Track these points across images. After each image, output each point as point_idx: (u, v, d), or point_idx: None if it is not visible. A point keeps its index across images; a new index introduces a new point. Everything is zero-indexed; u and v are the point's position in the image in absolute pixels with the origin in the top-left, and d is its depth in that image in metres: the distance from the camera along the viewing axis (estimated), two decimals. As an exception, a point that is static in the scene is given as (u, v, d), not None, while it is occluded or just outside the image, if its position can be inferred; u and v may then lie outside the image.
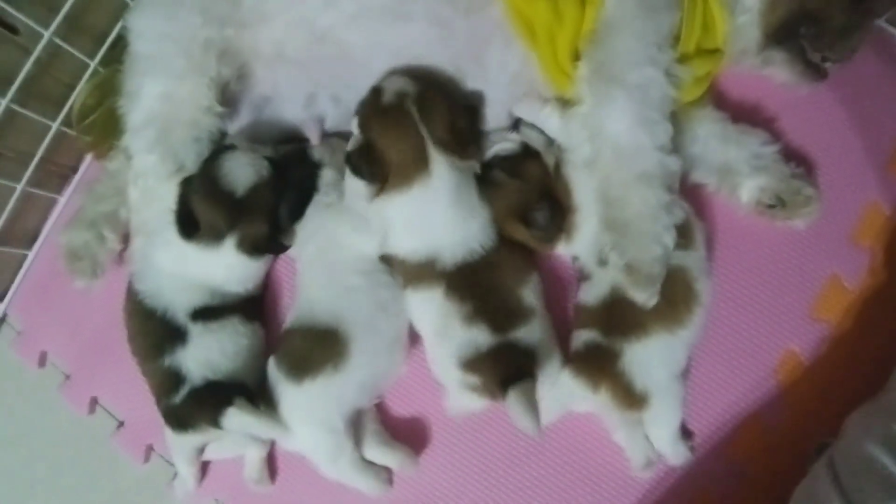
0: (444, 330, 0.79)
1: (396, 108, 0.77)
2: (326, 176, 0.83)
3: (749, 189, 0.85)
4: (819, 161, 0.89)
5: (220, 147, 0.81)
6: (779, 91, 0.88)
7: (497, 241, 0.80)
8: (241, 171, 0.80)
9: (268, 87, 0.84)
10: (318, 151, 0.84)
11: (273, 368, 0.80)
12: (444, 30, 0.79)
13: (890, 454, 0.69)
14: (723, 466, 0.85)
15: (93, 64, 0.90)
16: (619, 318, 0.77)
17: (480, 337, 0.76)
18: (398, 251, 0.81)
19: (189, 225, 0.80)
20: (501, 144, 0.83)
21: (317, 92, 0.83)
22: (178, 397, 0.79)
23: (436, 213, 0.78)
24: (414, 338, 0.84)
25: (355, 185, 0.79)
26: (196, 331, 0.80)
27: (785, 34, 0.81)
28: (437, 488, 0.86)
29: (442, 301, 0.78)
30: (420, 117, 0.77)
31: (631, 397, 0.77)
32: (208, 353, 0.80)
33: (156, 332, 0.81)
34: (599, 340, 0.78)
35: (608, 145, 0.75)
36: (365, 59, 0.81)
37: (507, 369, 0.75)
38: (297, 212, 0.83)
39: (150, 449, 0.91)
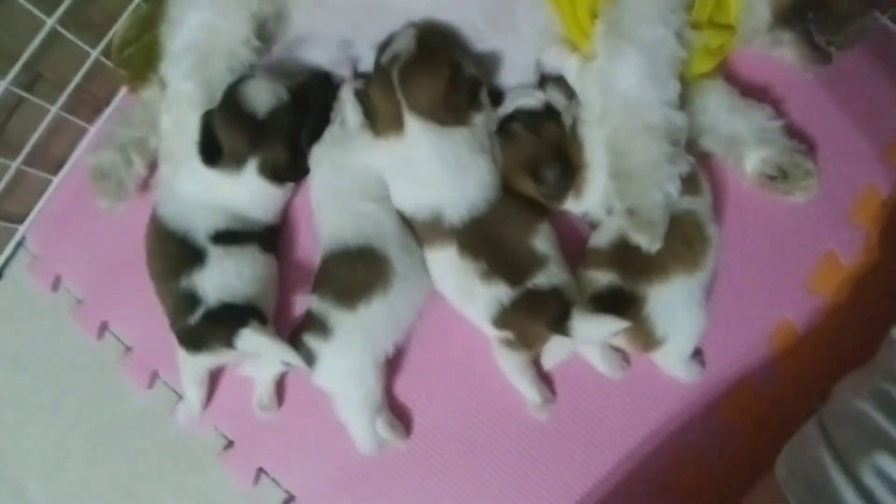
0: (467, 290, 0.81)
1: (384, 69, 0.80)
2: (344, 102, 0.86)
3: (753, 160, 0.87)
4: (821, 142, 0.92)
5: (239, 77, 0.84)
6: (787, 74, 0.91)
7: (501, 195, 0.82)
8: (262, 96, 0.82)
9: (304, 30, 0.87)
10: (340, 78, 0.87)
11: (319, 303, 0.81)
12: None
13: (878, 408, 0.71)
14: (713, 427, 0.86)
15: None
16: (638, 261, 0.79)
17: (501, 292, 0.78)
18: (403, 206, 0.84)
19: (212, 151, 0.82)
20: (525, 99, 0.85)
21: (353, 38, 0.86)
22: (194, 318, 0.80)
23: (419, 171, 0.81)
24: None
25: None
26: (216, 253, 0.82)
27: (792, 16, 0.85)
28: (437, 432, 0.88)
29: (458, 260, 0.80)
30: (399, 84, 0.79)
31: (650, 340, 0.80)
32: (226, 276, 0.81)
33: (175, 254, 0.83)
34: (621, 284, 0.79)
35: (618, 98, 0.78)
36: (404, 8, 0.84)
37: (544, 315, 0.77)
38: (317, 135, 0.85)
39: (155, 375, 0.92)
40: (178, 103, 0.84)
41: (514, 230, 0.81)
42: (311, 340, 0.81)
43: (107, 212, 0.89)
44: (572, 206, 0.86)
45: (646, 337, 0.80)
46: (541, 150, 0.83)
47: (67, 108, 0.93)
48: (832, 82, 0.93)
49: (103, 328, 0.94)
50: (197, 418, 0.88)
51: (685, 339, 0.82)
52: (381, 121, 0.82)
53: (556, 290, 0.78)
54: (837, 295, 0.89)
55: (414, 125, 0.80)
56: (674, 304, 0.80)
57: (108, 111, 0.98)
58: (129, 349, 0.93)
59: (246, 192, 0.84)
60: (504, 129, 0.84)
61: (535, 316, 0.77)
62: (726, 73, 0.93)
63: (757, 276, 0.89)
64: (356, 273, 0.81)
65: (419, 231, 0.84)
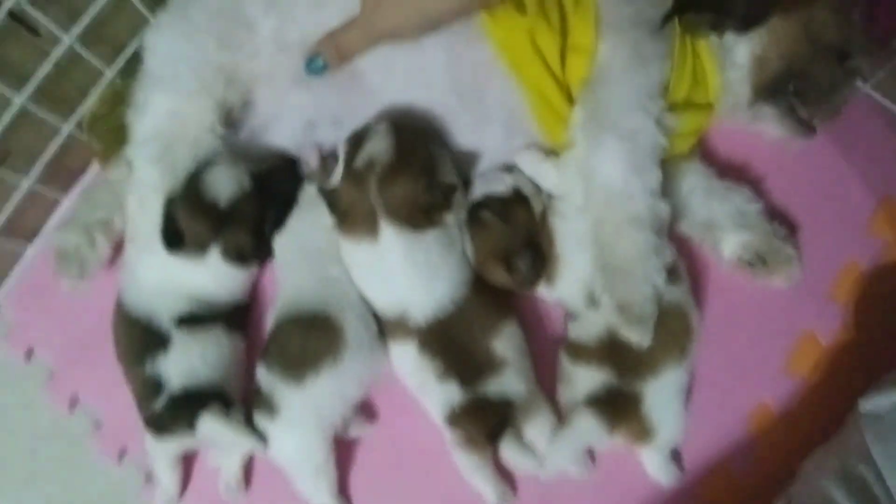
0: (423, 385, 0.80)
1: (361, 173, 0.78)
2: (308, 192, 0.84)
3: (731, 244, 0.85)
4: (801, 218, 0.90)
5: (202, 163, 0.83)
6: (766, 149, 0.89)
7: (468, 293, 0.80)
8: (223, 184, 0.81)
9: (270, 113, 0.86)
10: (307, 169, 0.85)
11: (265, 375, 0.80)
12: (452, 57, 0.81)
13: (843, 490, 0.70)
14: (689, 509, 0.84)
15: (109, 73, 0.92)
16: (630, 358, 0.77)
17: (452, 393, 0.77)
18: (372, 303, 0.82)
19: (174, 238, 0.81)
20: (494, 185, 0.83)
21: (317, 117, 0.85)
22: (158, 404, 0.80)
23: (390, 272, 0.79)
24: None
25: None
26: (179, 338, 0.81)
27: (774, 91, 0.83)
28: None
29: (416, 356, 0.79)
30: (378, 190, 0.77)
31: (646, 434, 0.78)
32: (190, 360, 0.81)
33: (140, 339, 0.82)
34: (617, 384, 0.78)
35: (600, 189, 0.76)
36: (375, 85, 0.83)
37: (486, 425, 0.76)
38: (281, 221, 0.84)
39: (123, 451, 0.90)
40: (142, 188, 0.83)
41: (475, 330, 0.79)
42: (259, 418, 0.80)
43: (71, 291, 0.87)
44: (544, 293, 0.84)
45: (641, 432, 0.78)
46: (512, 237, 0.81)
47: (40, 181, 0.92)
48: (813, 154, 0.91)
49: (74, 402, 0.93)
50: (173, 502, 0.86)
51: (675, 427, 0.80)
52: (352, 222, 0.80)
53: (504, 402, 0.76)
54: (814, 374, 0.87)
55: (388, 230, 0.78)
56: (665, 395, 0.78)
57: (82, 181, 0.97)
58: (98, 424, 0.92)
59: (210, 275, 0.83)
60: (474, 217, 0.82)
61: (475, 424, 0.76)
62: (703, 149, 0.91)
63: (734, 358, 0.86)
64: (308, 340, 0.79)
65: (383, 323, 0.82)
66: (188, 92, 0.81)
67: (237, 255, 0.82)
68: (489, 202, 0.82)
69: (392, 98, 0.83)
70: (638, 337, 0.75)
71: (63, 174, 0.96)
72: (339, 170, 0.81)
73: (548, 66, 0.79)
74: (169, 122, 0.82)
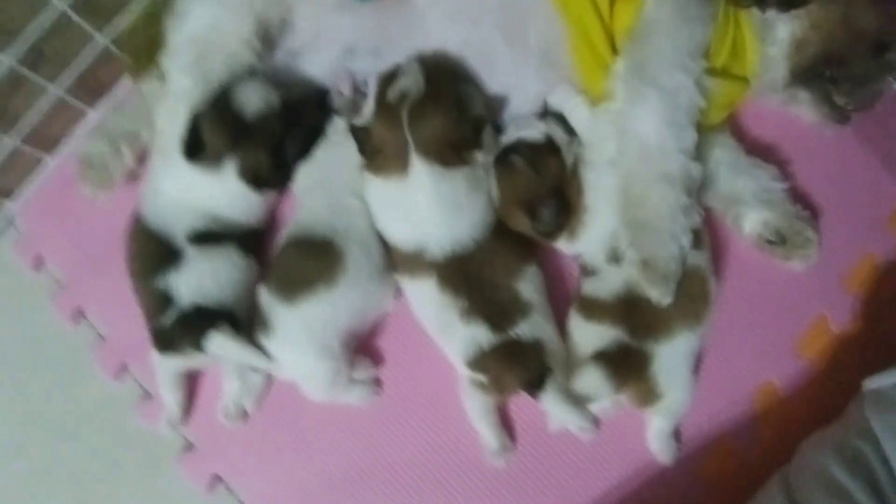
0: (446, 325, 0.78)
1: (393, 107, 0.77)
2: (338, 125, 0.84)
3: (752, 221, 0.85)
4: (824, 204, 0.89)
5: (236, 78, 0.82)
6: (796, 132, 0.89)
7: (490, 234, 0.79)
8: (252, 99, 0.81)
9: (307, 36, 0.85)
10: (337, 100, 0.85)
11: (265, 293, 0.79)
12: None
13: (839, 463, 0.71)
14: (688, 483, 0.84)
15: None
16: (645, 317, 0.77)
17: (481, 334, 0.76)
18: (388, 236, 0.81)
19: (193, 145, 0.80)
20: (528, 131, 0.82)
21: (356, 45, 0.84)
22: (167, 319, 0.79)
23: (415, 208, 0.78)
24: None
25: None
26: (192, 254, 0.80)
27: (812, 74, 0.82)
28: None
29: (437, 293, 0.78)
30: (409, 124, 0.76)
31: (653, 396, 0.77)
32: (201, 278, 0.80)
33: (154, 253, 0.82)
34: (629, 342, 0.77)
35: (635, 143, 0.76)
36: (420, 15, 0.82)
37: (525, 370, 0.74)
38: (303, 150, 0.83)
39: (123, 367, 0.90)
40: (174, 98, 0.83)
41: (498, 271, 0.78)
42: (258, 335, 0.79)
43: (91, 199, 0.87)
44: (564, 246, 0.83)
45: (648, 393, 0.77)
46: (539, 185, 0.80)
47: (68, 90, 0.91)
48: (840, 145, 0.90)
49: (79, 314, 0.92)
50: (176, 422, 0.85)
51: (683, 394, 0.79)
52: (383, 159, 0.79)
53: (538, 345, 0.76)
54: (822, 359, 0.87)
55: (419, 166, 0.77)
56: (675, 359, 0.78)
57: (110, 96, 0.96)
58: (102, 338, 0.91)
59: (225, 194, 0.82)
60: (504, 159, 0.81)
61: (512, 368, 0.75)
62: (734, 126, 0.90)
63: (745, 335, 0.86)
64: (306, 263, 0.78)
65: (397, 259, 0.82)
66: (228, 4, 0.81)
67: (252, 175, 0.82)
68: (520, 147, 0.81)
69: (436, 31, 0.82)
70: (659, 294, 0.74)
71: (92, 86, 0.95)
72: (369, 105, 0.80)
73: (598, 8, 0.79)
74: (206, 32, 0.82)
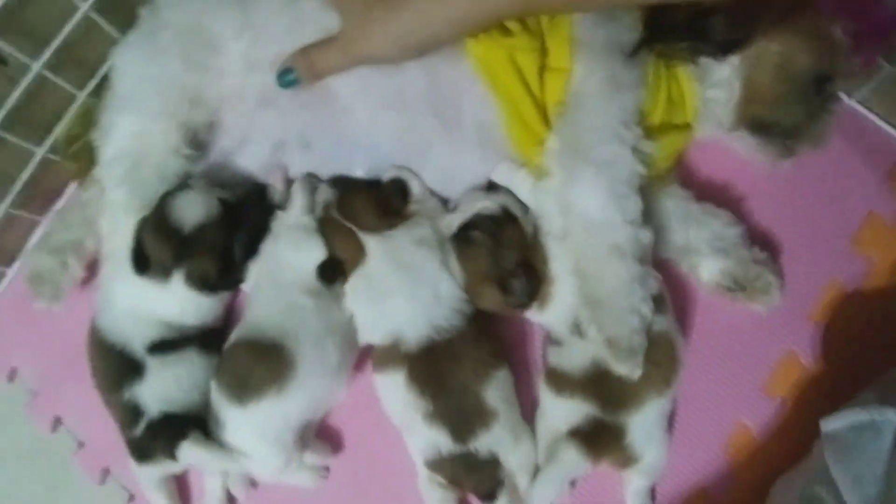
0: (410, 423, 0.78)
1: (329, 218, 0.81)
2: (282, 217, 0.84)
3: (708, 270, 0.84)
4: (783, 235, 0.88)
5: (178, 185, 0.82)
6: (746, 167, 0.87)
7: (463, 324, 0.79)
8: (190, 209, 0.80)
9: (237, 133, 0.85)
10: (275, 194, 0.85)
11: (215, 390, 0.80)
12: (432, 77, 0.79)
13: None
14: (668, 534, 0.83)
15: (81, 95, 0.91)
16: (613, 390, 0.76)
17: (441, 440, 0.75)
18: (370, 336, 0.81)
19: (140, 260, 0.80)
20: (483, 203, 0.81)
21: (286, 138, 0.83)
22: (138, 430, 0.80)
23: (379, 284, 0.79)
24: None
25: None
26: (153, 364, 0.81)
27: (758, 128, 0.81)
28: None
29: (404, 390, 0.77)
30: (344, 217, 0.80)
31: (630, 461, 0.77)
32: (165, 387, 0.80)
33: (115, 367, 0.82)
34: (601, 416, 0.76)
35: (579, 221, 0.75)
36: (349, 106, 0.81)
37: (476, 482, 0.76)
38: (251, 250, 0.83)
39: (106, 472, 0.90)
40: (111, 209, 0.83)
41: (467, 373, 0.77)
42: (213, 428, 0.80)
43: (45, 313, 0.87)
44: (533, 315, 0.82)
45: (625, 459, 0.77)
46: (504, 258, 0.79)
47: (17, 204, 0.91)
48: (795, 170, 0.87)
49: (57, 422, 0.93)
50: None
51: (659, 452, 0.79)
52: (347, 256, 0.81)
53: (493, 461, 0.76)
54: (794, 396, 0.85)
55: (369, 241, 0.79)
56: (649, 424, 0.77)
57: (60, 202, 0.97)
58: (81, 444, 0.92)
59: (177, 302, 0.82)
60: (462, 236, 0.80)
61: (469, 478, 0.76)
62: (683, 170, 0.89)
63: (713, 378, 0.85)
64: (255, 367, 0.78)
65: (375, 359, 0.82)
66: (152, 113, 0.80)
67: (201, 282, 0.81)
68: (479, 221, 0.80)
69: (364, 120, 0.81)
70: (628, 370, 0.73)
71: (40, 196, 0.95)
72: (295, 206, 0.83)
73: (526, 84, 0.77)
74: (134, 143, 0.81)
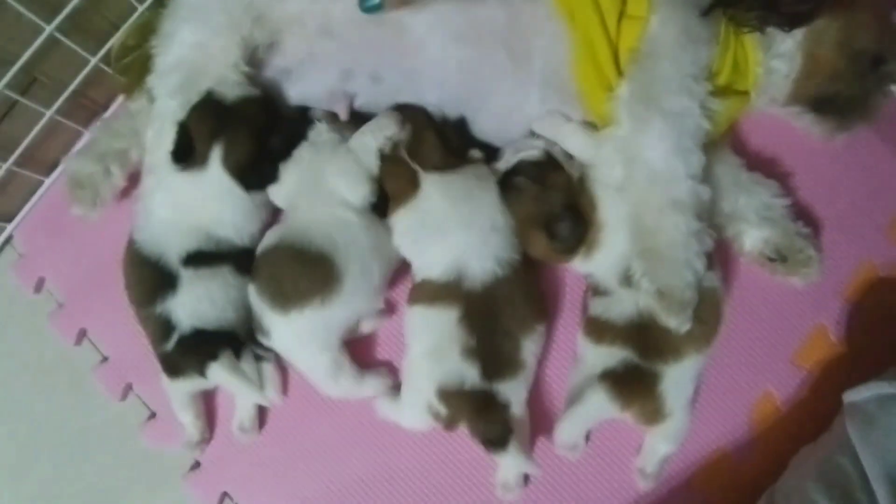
0: (438, 353, 0.77)
1: (392, 155, 0.81)
2: (320, 126, 0.83)
3: (752, 239, 0.84)
4: (824, 215, 0.89)
5: None
6: (795, 143, 0.88)
7: (516, 267, 0.78)
8: (233, 88, 0.81)
9: (300, 58, 0.84)
10: (319, 114, 0.84)
11: (255, 297, 0.79)
12: (509, 11, 0.79)
13: (820, 485, 0.71)
14: (686, 497, 0.84)
15: (140, 7, 0.90)
16: (655, 339, 0.76)
17: (470, 374, 0.75)
18: (426, 270, 0.80)
19: (182, 148, 0.79)
20: (526, 150, 0.81)
21: (354, 68, 0.83)
22: (170, 345, 0.79)
23: (439, 223, 0.79)
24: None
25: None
26: (186, 277, 0.80)
27: (815, 101, 0.82)
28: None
29: (454, 325, 0.76)
30: (410, 156, 0.80)
31: (659, 415, 0.77)
32: (198, 301, 0.79)
33: (150, 280, 0.81)
34: (637, 362, 0.76)
35: (643, 170, 0.75)
36: (421, 41, 0.80)
37: (487, 427, 0.75)
38: (285, 150, 0.82)
39: (128, 387, 0.90)
40: (161, 120, 0.82)
41: (513, 318, 0.77)
42: (259, 336, 0.81)
43: (81, 220, 0.86)
44: (579, 264, 0.82)
45: (654, 413, 0.77)
46: (550, 201, 0.79)
47: (63, 112, 0.90)
48: (841, 153, 0.89)
49: (82, 335, 0.92)
50: (195, 444, 0.85)
51: (685, 416, 0.79)
52: (399, 192, 0.81)
53: (504, 408, 0.76)
54: (820, 369, 0.87)
55: (428, 181, 0.79)
56: (683, 380, 0.77)
57: (105, 115, 0.95)
58: (105, 359, 0.91)
59: (215, 202, 0.81)
60: (508, 183, 0.80)
61: (474, 420, 0.75)
62: (734, 139, 0.90)
63: (744, 346, 0.86)
64: (301, 277, 0.77)
65: (422, 293, 0.80)
66: (216, 25, 0.80)
67: (236, 165, 0.80)
68: (522, 168, 0.80)
69: (435, 53, 0.81)
70: (677, 324, 0.73)
71: (87, 107, 0.94)
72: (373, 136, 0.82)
73: (605, 27, 0.77)
74: (193, 55, 0.80)
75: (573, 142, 0.82)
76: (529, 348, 0.78)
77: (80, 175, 0.86)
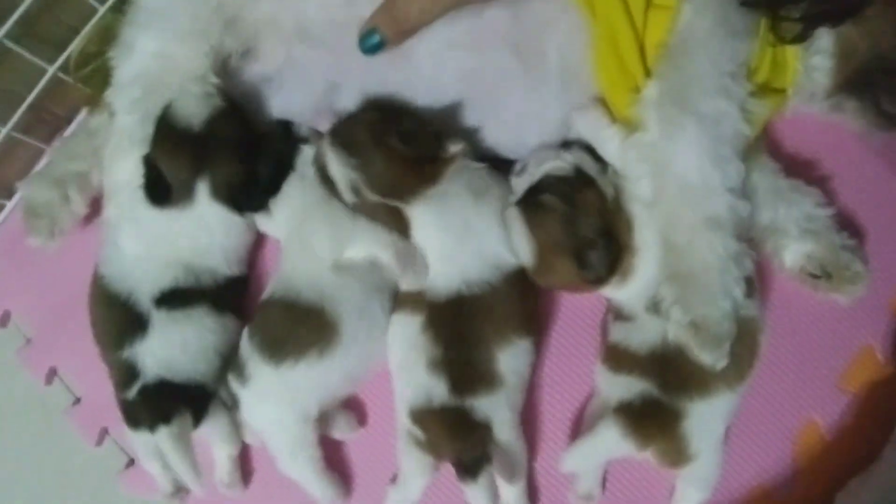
0: (405, 366, 0.71)
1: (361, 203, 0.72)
2: (307, 153, 0.74)
3: (794, 253, 0.75)
4: (868, 222, 0.80)
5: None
6: (835, 144, 0.80)
7: (500, 283, 0.71)
8: (192, 107, 0.71)
9: (279, 64, 0.75)
10: (305, 129, 0.76)
11: (247, 342, 0.72)
12: (514, 9, 0.70)
13: None
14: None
15: (102, 8, 0.81)
16: (679, 372, 0.67)
17: (437, 390, 0.68)
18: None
19: (158, 188, 0.71)
20: (553, 163, 0.71)
21: (340, 80, 0.74)
22: (132, 392, 0.71)
23: (429, 244, 0.72)
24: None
25: None
26: (158, 319, 0.71)
27: (860, 84, 0.72)
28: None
29: (417, 332, 0.70)
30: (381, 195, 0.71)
31: (682, 458, 0.69)
32: (168, 346, 0.71)
33: (117, 321, 0.73)
34: (658, 396, 0.68)
35: (674, 183, 0.66)
36: (410, 49, 0.70)
37: (461, 447, 0.68)
38: (275, 179, 0.74)
39: (104, 432, 0.82)
40: (118, 137, 0.73)
41: (488, 326, 0.69)
42: (232, 380, 0.72)
43: (40, 250, 0.78)
44: (610, 292, 0.73)
45: (677, 454, 0.69)
46: (581, 225, 0.69)
47: (22, 129, 0.81)
48: (884, 153, 0.81)
49: (52, 374, 0.84)
50: (171, 496, 0.76)
51: (715, 458, 0.71)
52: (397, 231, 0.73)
53: (486, 428, 0.68)
54: (868, 393, 0.78)
55: (413, 210, 0.72)
56: (711, 419, 0.69)
57: (69, 130, 0.87)
58: (77, 400, 0.83)
59: (203, 229, 0.73)
60: (532, 202, 0.70)
61: (452, 440, 0.68)
62: (768, 140, 0.81)
63: (784, 370, 0.78)
64: (296, 330, 0.70)
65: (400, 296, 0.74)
66: (180, 32, 0.71)
67: (227, 191, 0.72)
68: (549, 183, 0.70)
69: (427, 64, 0.72)
70: (713, 359, 0.65)
71: (48, 121, 0.85)
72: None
73: (631, 17, 0.68)
74: (155, 66, 0.72)
75: (610, 148, 0.72)
76: (509, 363, 0.70)
77: (34, 202, 0.77)
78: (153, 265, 0.73)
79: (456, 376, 0.68)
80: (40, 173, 0.80)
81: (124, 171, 0.72)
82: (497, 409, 0.69)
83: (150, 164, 0.71)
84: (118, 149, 0.73)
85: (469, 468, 0.68)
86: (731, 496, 0.77)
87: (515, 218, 0.70)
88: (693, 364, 0.66)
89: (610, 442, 0.69)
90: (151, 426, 0.69)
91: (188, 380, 0.71)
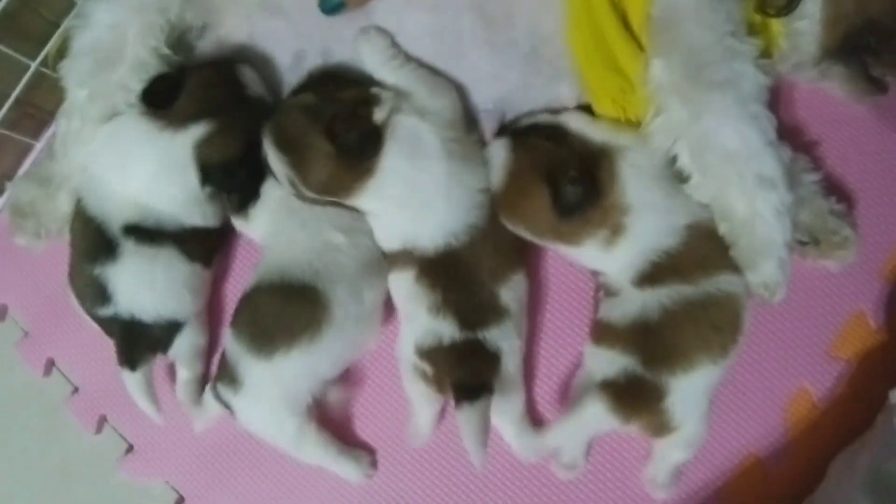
0: (411, 312, 0.71)
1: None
2: None
3: None
4: (858, 188, 0.79)
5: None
6: (822, 110, 0.78)
7: (483, 234, 0.70)
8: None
9: (242, 38, 0.75)
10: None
11: (232, 342, 0.71)
12: None
13: (869, 496, 0.64)
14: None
15: (80, 1, 0.81)
16: (661, 346, 0.67)
17: (446, 329, 0.68)
18: (384, 248, 0.74)
19: (166, 93, 0.70)
20: (541, 116, 0.73)
21: (306, 47, 0.73)
22: (101, 311, 0.72)
23: (395, 203, 0.71)
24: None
25: None
26: (127, 249, 0.71)
27: (849, 48, 0.71)
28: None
29: (412, 284, 0.70)
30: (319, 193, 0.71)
31: (664, 430, 0.69)
32: (138, 280, 0.71)
33: (91, 238, 0.73)
34: (641, 372, 0.67)
35: (717, 155, 0.65)
36: (370, 10, 0.70)
37: (465, 373, 0.68)
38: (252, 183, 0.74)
39: (103, 419, 0.83)
40: (69, 114, 0.72)
41: (484, 270, 0.69)
42: (222, 390, 0.72)
43: (26, 251, 0.79)
44: (595, 252, 0.71)
45: (660, 427, 0.69)
46: (562, 157, 0.69)
47: (9, 125, 0.82)
48: (873, 118, 0.79)
49: (50, 365, 0.85)
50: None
51: (701, 426, 0.71)
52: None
53: (494, 357, 0.69)
54: (860, 360, 0.77)
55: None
56: (694, 393, 0.69)
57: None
58: (76, 389, 0.84)
59: (163, 172, 0.72)
60: (521, 137, 0.71)
61: (459, 367, 0.68)
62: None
63: (774, 338, 0.77)
64: (285, 312, 0.69)
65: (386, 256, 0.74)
66: (137, 5, 0.70)
67: (208, 158, 0.71)
68: (536, 128, 0.71)
69: (387, 22, 0.71)
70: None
71: (34, 116, 0.86)
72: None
73: None
74: (108, 38, 0.70)
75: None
76: (509, 295, 0.70)
77: (20, 202, 0.77)
78: (117, 195, 0.72)
79: (463, 314, 0.69)
80: (28, 172, 0.80)
81: (79, 152, 0.72)
82: (506, 338, 0.70)
83: (178, 77, 0.71)
84: (69, 127, 0.73)
85: (471, 389, 0.68)
86: (724, 465, 0.76)
87: (502, 147, 0.71)
88: (674, 338, 0.66)
89: (594, 417, 0.69)
90: (129, 363, 0.72)
91: (158, 317, 0.72)
